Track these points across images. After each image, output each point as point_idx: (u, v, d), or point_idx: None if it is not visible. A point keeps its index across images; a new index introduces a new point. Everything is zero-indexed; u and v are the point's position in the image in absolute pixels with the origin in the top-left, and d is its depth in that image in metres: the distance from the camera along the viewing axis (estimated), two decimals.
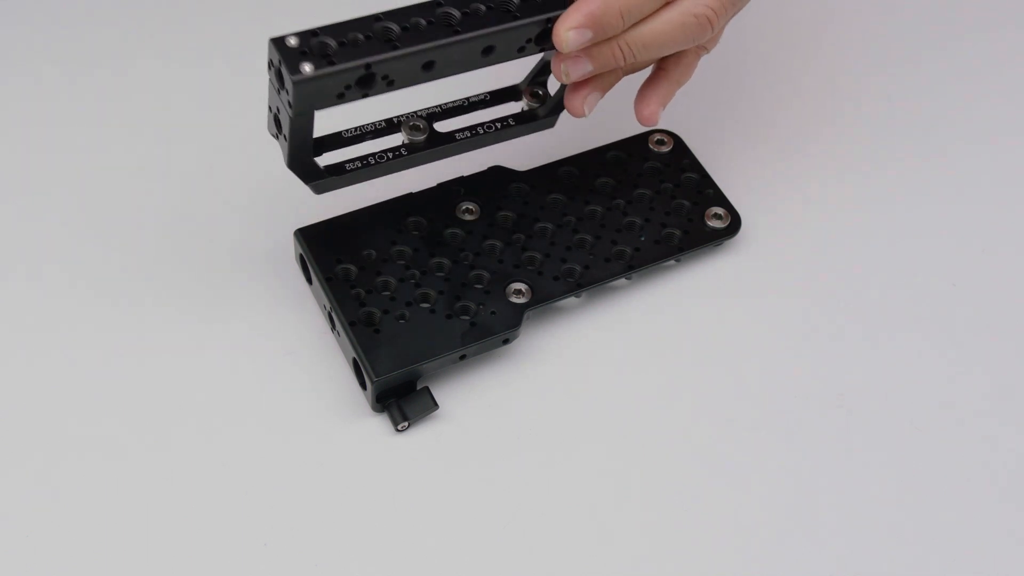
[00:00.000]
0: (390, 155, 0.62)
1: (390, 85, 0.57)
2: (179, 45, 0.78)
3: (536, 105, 0.65)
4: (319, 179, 0.61)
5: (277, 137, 0.59)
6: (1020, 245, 0.70)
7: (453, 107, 0.64)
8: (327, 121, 0.61)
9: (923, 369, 0.65)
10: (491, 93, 0.65)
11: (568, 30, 0.58)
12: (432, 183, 0.68)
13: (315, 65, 0.54)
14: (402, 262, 0.65)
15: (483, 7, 0.57)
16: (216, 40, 0.78)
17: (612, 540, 0.59)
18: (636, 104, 0.65)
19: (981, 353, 0.66)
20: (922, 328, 0.66)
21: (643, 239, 0.67)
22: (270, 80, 0.56)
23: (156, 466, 0.60)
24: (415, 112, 0.63)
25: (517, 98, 0.66)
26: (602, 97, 0.63)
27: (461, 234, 0.66)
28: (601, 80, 0.62)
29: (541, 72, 0.65)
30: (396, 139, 0.63)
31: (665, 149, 0.71)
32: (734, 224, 0.69)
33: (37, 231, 0.68)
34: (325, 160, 0.62)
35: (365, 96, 0.57)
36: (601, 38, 0.59)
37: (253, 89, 0.76)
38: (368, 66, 0.55)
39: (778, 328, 0.66)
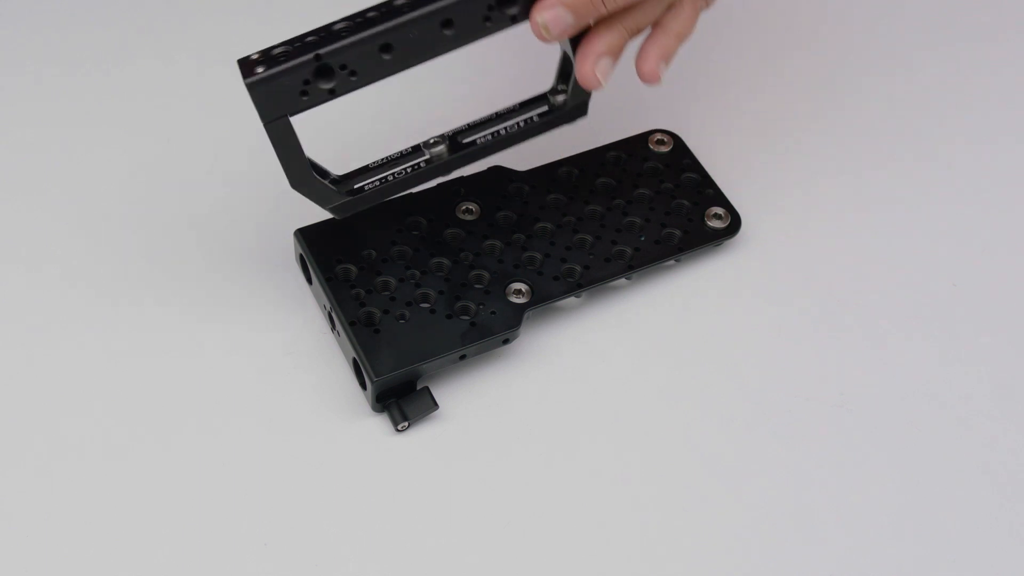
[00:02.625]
0: (408, 170, 0.63)
1: (354, 76, 0.57)
2: (179, 45, 0.78)
3: (561, 99, 0.64)
4: (334, 201, 0.61)
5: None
6: (1020, 245, 0.70)
7: (480, 122, 0.64)
8: (356, 157, 0.63)
9: (923, 369, 0.65)
10: (520, 104, 0.64)
11: None
12: (432, 183, 0.68)
13: (267, 67, 0.56)
14: (402, 262, 0.65)
15: None
16: (216, 40, 0.78)
17: (612, 540, 0.59)
18: (637, 63, 0.62)
19: (981, 353, 0.66)
20: (922, 328, 0.66)
21: (643, 239, 0.67)
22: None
23: (156, 466, 0.60)
24: (441, 134, 0.63)
25: (546, 103, 0.64)
26: (615, 64, 0.60)
27: (461, 234, 0.66)
28: (604, 40, 0.59)
29: (565, 68, 0.64)
30: (417, 157, 0.63)
31: (665, 149, 0.71)
32: (734, 224, 0.69)
33: (37, 231, 0.68)
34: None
35: (333, 93, 0.57)
36: None
37: None
38: (318, 56, 0.56)
39: (778, 328, 0.66)
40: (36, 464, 0.60)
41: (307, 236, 0.65)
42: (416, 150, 0.63)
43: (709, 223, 0.68)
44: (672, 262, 0.68)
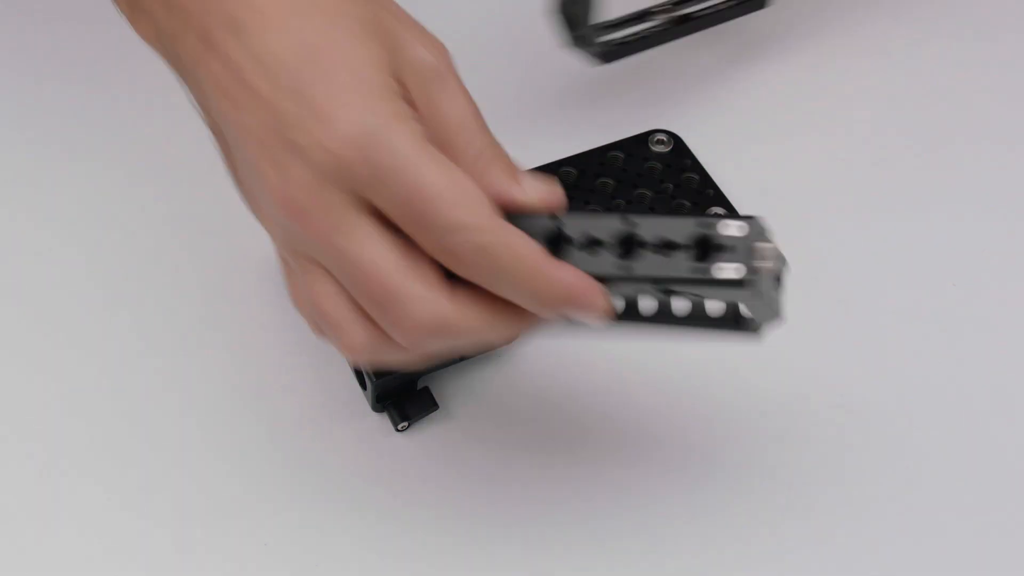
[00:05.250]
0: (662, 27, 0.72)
1: None
2: None
3: None
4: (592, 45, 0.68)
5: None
6: (1020, 245, 0.70)
7: None
8: None
9: (923, 369, 0.65)
10: None
11: None
12: None
13: None
14: None
15: None
16: None
17: (612, 540, 0.59)
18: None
19: (981, 353, 0.66)
20: (922, 328, 0.66)
21: None
22: None
23: (156, 465, 0.60)
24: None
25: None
26: None
27: None
28: None
29: None
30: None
31: (665, 149, 0.71)
32: None
33: (37, 233, 0.68)
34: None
35: None
36: None
37: None
38: None
39: (778, 328, 0.66)
40: (35, 464, 0.60)
41: None
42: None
43: None
44: None
